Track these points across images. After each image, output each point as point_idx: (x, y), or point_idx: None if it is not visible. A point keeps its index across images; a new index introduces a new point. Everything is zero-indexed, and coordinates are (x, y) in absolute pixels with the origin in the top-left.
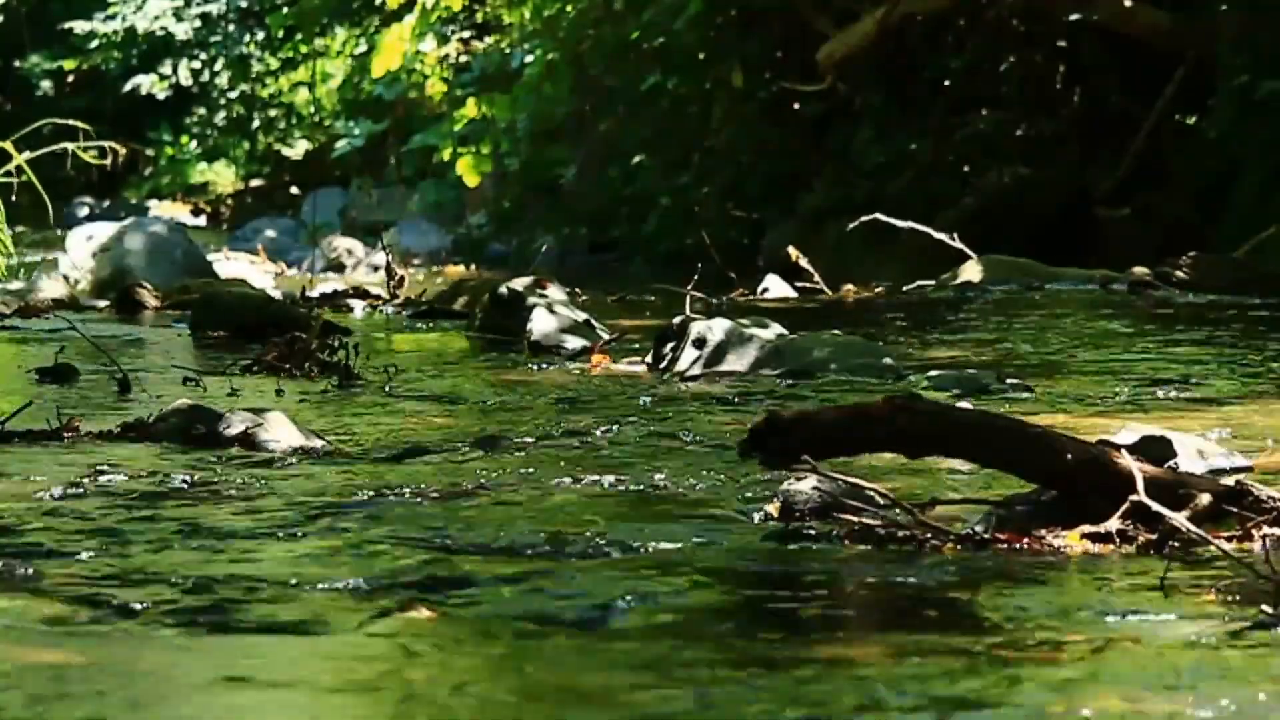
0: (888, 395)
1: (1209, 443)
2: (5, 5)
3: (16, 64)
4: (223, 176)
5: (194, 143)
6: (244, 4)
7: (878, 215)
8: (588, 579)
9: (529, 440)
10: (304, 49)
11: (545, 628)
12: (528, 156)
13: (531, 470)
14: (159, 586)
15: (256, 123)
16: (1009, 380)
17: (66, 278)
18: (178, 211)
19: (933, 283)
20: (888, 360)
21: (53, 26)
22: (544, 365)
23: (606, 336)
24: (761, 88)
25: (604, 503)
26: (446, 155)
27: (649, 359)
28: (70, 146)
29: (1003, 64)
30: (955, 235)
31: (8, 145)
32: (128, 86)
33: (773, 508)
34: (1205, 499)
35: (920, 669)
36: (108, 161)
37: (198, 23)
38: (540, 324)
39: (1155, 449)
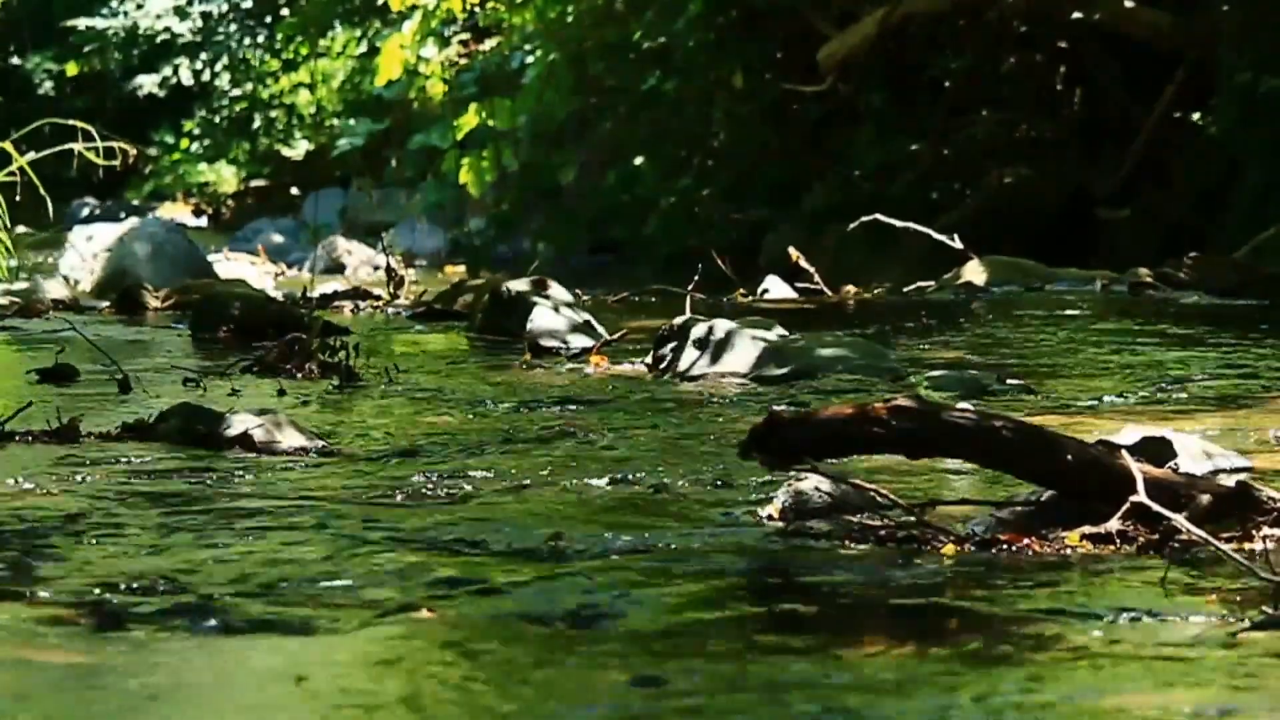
0: (888, 396)
1: (1209, 443)
2: (5, 4)
3: (17, 63)
4: (224, 177)
5: (195, 143)
6: (247, 4)
7: (878, 216)
8: (588, 579)
9: (528, 440)
10: (304, 50)
11: (545, 628)
12: (528, 158)
13: (532, 470)
14: (158, 587)
15: (257, 123)
16: (1010, 381)
17: (67, 278)
18: (179, 212)
19: (933, 284)
20: (889, 361)
21: (54, 25)
22: (544, 366)
23: (607, 337)
24: (762, 89)
25: (604, 503)
26: (449, 165)
27: (650, 359)
28: (76, 147)
29: (1003, 65)
30: (956, 236)
31: (8, 146)
32: (129, 86)
33: (773, 508)
34: (1205, 499)
35: (920, 670)
36: (117, 162)
37: (199, 22)
38: (541, 324)
39: (1155, 449)
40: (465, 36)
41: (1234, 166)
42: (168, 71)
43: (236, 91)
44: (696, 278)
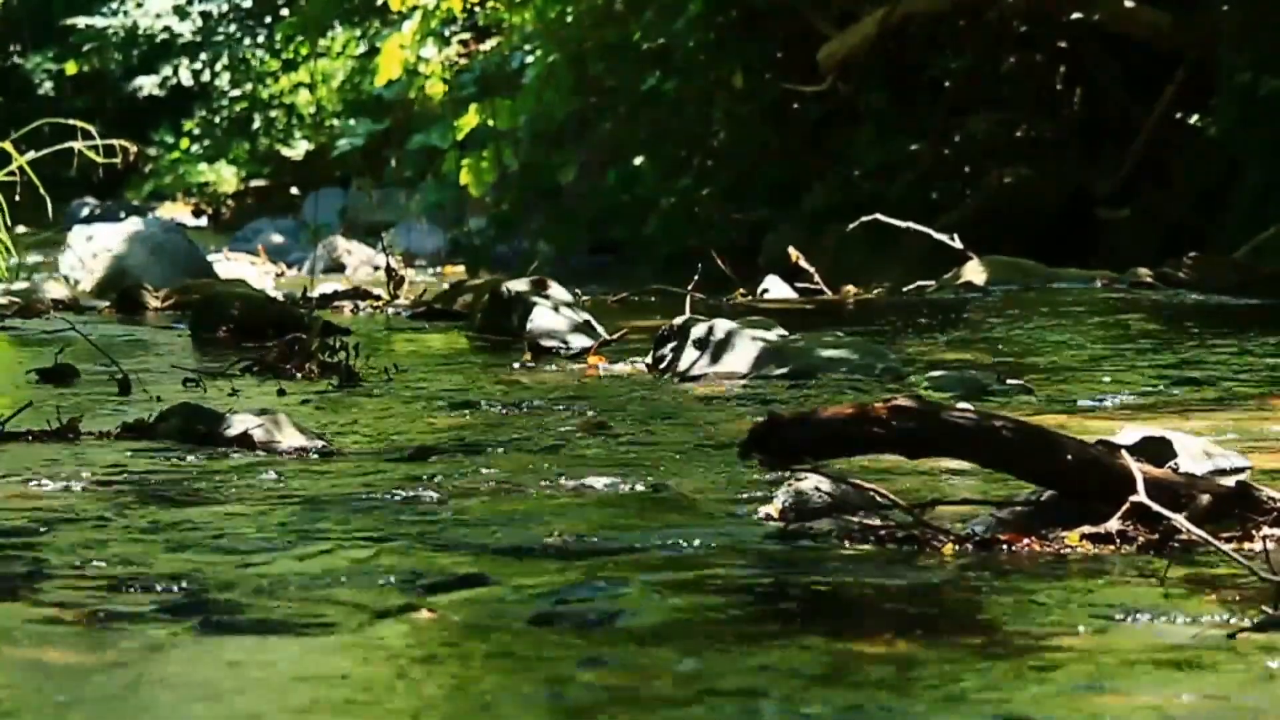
0: (888, 396)
1: (1209, 443)
2: (5, 4)
3: (17, 63)
4: (224, 177)
5: (195, 143)
6: (247, 4)
7: (878, 216)
8: (588, 579)
9: (528, 440)
10: (304, 50)
11: (546, 628)
12: (528, 158)
13: (532, 470)
14: (159, 587)
15: (257, 123)
16: (1009, 381)
17: (67, 278)
18: (179, 212)
19: (933, 284)
20: (888, 361)
21: (54, 25)
22: (544, 365)
23: (606, 336)
24: (762, 89)
25: (604, 503)
26: (449, 165)
27: (650, 359)
28: (76, 146)
29: (1003, 65)
30: (956, 236)
31: (8, 146)
32: (129, 87)
33: (773, 508)
34: (1205, 499)
35: (920, 670)
36: (117, 160)
37: (199, 22)
38: (541, 324)
39: (1155, 449)
40: (465, 36)
41: (1234, 166)
42: (168, 71)
43: (236, 91)
44: (696, 278)
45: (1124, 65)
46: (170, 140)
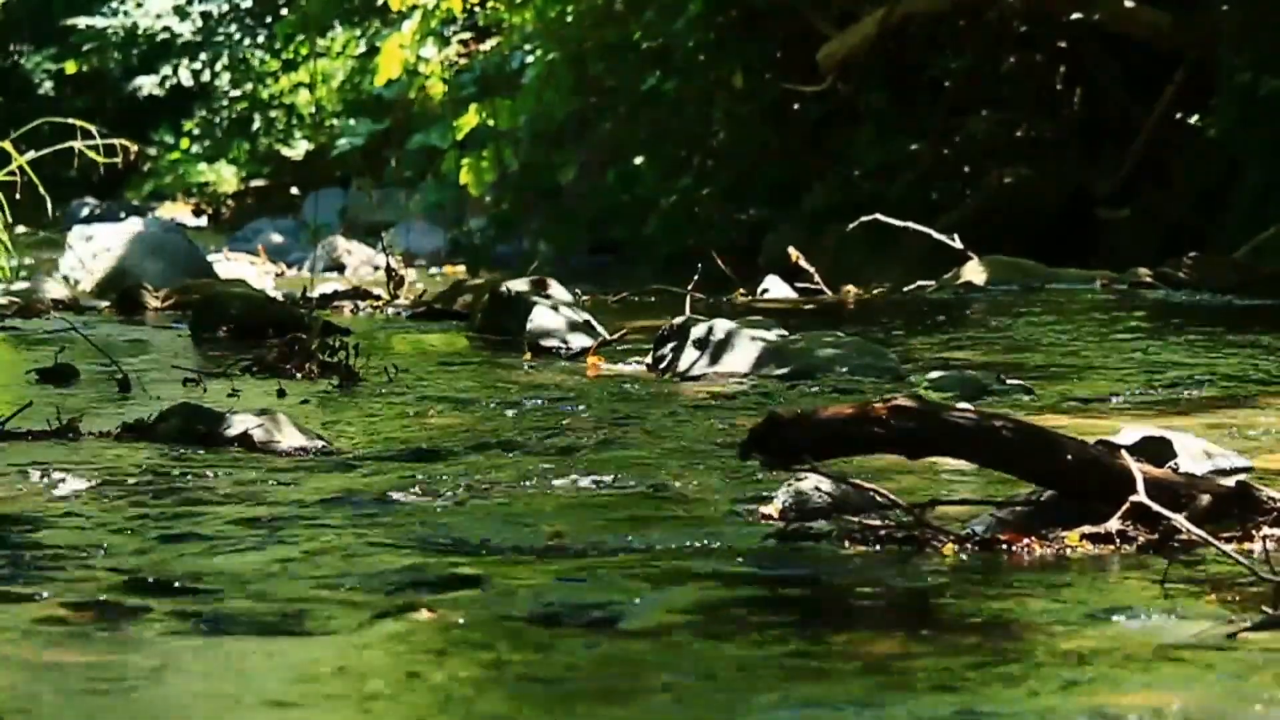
0: (888, 396)
1: (1209, 443)
2: (5, 4)
3: (17, 63)
4: (224, 177)
5: (195, 143)
6: (247, 4)
7: (878, 216)
8: (588, 579)
9: (528, 440)
10: (304, 50)
11: (546, 628)
12: (528, 158)
13: (532, 470)
14: (159, 587)
15: (257, 123)
16: (1009, 381)
17: (67, 278)
18: (179, 212)
19: (933, 284)
20: (888, 361)
21: (54, 25)
22: (544, 365)
23: (606, 336)
24: (762, 89)
25: (604, 503)
26: (449, 165)
27: (650, 359)
28: (76, 146)
29: (1003, 65)
30: (956, 236)
31: (7, 146)
32: (129, 87)
33: (773, 508)
34: (1205, 499)
35: (920, 670)
36: (118, 159)
37: (199, 22)
38: (540, 324)
39: (1155, 449)
40: (465, 36)
41: (1234, 166)
42: (168, 71)
43: (236, 92)
44: (696, 278)
45: (1124, 65)
46: (170, 140)
